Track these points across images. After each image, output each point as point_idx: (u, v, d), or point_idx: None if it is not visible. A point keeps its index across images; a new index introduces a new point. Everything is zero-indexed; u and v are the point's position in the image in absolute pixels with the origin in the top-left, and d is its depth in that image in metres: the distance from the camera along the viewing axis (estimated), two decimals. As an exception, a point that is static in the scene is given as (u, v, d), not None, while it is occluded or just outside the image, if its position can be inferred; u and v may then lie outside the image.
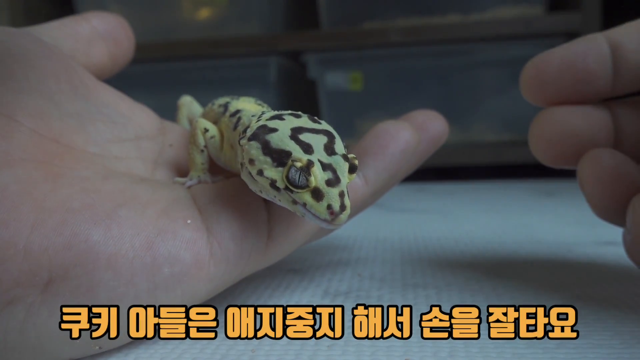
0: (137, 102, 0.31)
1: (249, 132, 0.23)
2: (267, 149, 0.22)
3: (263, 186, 0.22)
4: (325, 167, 0.21)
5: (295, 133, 0.22)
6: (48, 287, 0.20)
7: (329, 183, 0.21)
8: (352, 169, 0.22)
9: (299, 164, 0.21)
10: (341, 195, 0.21)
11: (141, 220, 0.22)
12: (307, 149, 0.21)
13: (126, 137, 0.27)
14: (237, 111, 0.27)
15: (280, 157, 0.21)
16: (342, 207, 0.21)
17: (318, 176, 0.21)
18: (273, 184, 0.21)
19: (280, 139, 0.22)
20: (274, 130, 0.22)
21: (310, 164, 0.21)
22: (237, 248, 0.23)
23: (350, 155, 0.22)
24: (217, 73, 1.08)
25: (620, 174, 0.26)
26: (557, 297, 0.28)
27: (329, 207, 0.20)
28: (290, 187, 0.21)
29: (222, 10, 1.06)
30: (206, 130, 0.27)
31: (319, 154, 0.21)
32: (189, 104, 0.37)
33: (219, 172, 0.29)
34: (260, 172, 0.21)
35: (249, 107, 0.28)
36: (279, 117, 0.23)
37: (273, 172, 0.21)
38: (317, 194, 0.21)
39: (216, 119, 0.29)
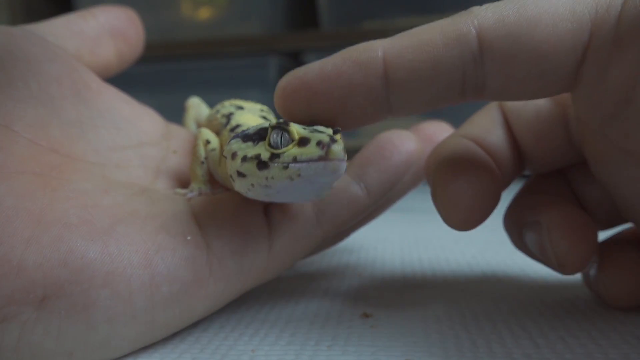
0: (142, 104, 0.30)
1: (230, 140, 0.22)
2: (246, 137, 0.21)
3: (251, 173, 0.21)
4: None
5: None
6: (43, 305, 0.19)
7: (313, 132, 0.20)
8: (336, 132, 0.21)
9: (275, 122, 0.20)
10: (328, 135, 0.20)
11: (140, 237, 0.21)
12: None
13: (128, 143, 0.27)
14: (237, 126, 0.27)
15: (259, 134, 0.21)
16: (332, 140, 0.19)
17: (299, 128, 0.20)
18: (260, 162, 0.20)
19: (258, 126, 0.22)
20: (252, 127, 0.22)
21: (287, 121, 0.20)
22: (237, 265, 0.23)
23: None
24: (217, 73, 1.08)
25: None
26: (561, 294, 0.28)
27: (319, 143, 0.19)
28: (276, 152, 0.20)
29: (222, 10, 1.06)
30: (208, 142, 0.27)
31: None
32: (196, 106, 0.36)
33: (220, 184, 0.28)
34: (245, 158, 0.21)
35: (251, 122, 0.27)
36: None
37: (256, 149, 0.21)
38: (303, 142, 0.20)
39: (218, 130, 0.29)
